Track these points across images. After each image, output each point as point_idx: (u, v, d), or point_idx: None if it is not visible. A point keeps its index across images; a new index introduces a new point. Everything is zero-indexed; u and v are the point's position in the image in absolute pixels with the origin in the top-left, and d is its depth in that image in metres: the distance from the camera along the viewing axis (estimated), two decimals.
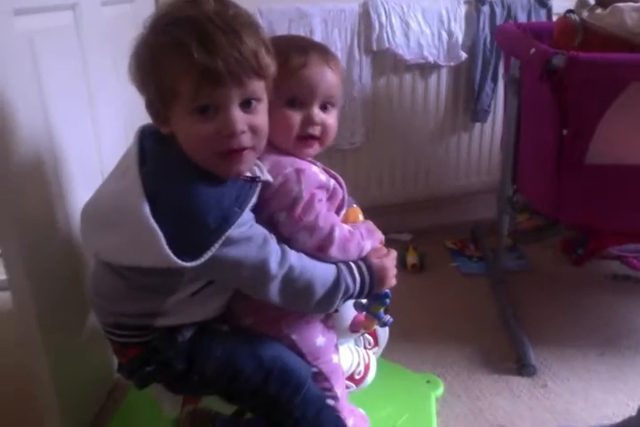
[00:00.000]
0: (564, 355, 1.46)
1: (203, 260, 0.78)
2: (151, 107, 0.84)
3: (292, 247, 0.87)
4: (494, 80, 1.91)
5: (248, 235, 0.82)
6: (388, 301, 0.96)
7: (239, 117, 0.79)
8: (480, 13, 1.83)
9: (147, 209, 0.77)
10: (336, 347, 1.01)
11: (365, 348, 1.11)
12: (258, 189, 0.84)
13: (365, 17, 1.76)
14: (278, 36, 0.99)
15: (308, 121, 0.91)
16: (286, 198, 0.87)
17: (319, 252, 0.88)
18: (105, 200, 0.87)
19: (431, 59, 1.84)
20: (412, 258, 1.84)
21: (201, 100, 0.78)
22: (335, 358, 1.00)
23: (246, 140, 0.80)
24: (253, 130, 0.81)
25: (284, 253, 0.85)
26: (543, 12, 1.88)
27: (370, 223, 0.97)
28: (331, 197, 0.92)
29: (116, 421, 1.23)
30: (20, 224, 0.98)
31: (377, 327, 1.05)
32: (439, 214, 2.07)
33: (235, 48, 0.76)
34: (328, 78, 0.91)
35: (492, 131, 2.01)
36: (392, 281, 0.94)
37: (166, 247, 0.76)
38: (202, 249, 0.78)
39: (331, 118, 0.93)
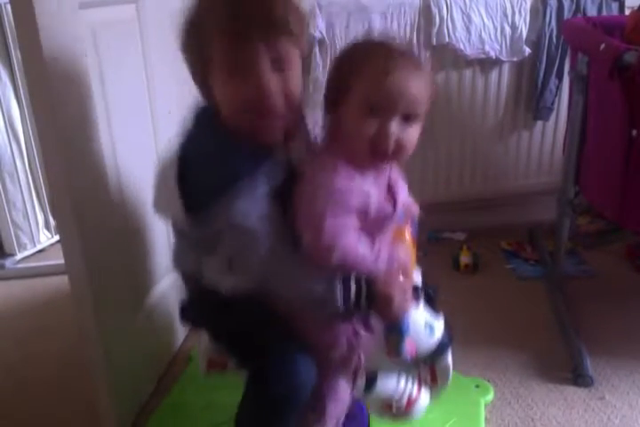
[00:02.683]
0: (624, 367, 1.39)
1: (204, 222, 0.83)
2: (195, 75, 0.87)
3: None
4: (559, 77, 1.84)
5: (245, 212, 0.82)
6: (405, 334, 0.91)
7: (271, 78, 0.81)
8: (547, 6, 1.76)
9: (173, 171, 0.84)
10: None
11: (420, 384, 1.05)
12: (278, 169, 0.85)
13: (426, 10, 1.73)
14: (366, 40, 0.92)
15: (382, 135, 0.84)
16: (303, 201, 0.85)
17: (316, 258, 0.85)
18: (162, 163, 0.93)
19: (493, 54, 1.79)
20: (465, 258, 1.81)
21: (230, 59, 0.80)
22: (343, 387, 0.97)
23: (278, 103, 0.82)
24: (285, 94, 0.83)
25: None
26: (615, 6, 1.80)
27: (406, 245, 0.94)
28: (372, 215, 0.88)
29: (165, 406, 1.26)
30: (77, 212, 1.01)
31: (438, 367, 1.01)
32: (495, 214, 2.01)
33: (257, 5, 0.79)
34: (413, 89, 0.84)
35: (554, 130, 1.93)
36: (398, 309, 0.89)
37: (179, 204, 0.83)
38: (203, 209, 0.83)
39: (410, 133, 0.86)
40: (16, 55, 1.77)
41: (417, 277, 1.01)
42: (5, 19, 1.73)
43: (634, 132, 1.26)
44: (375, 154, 0.86)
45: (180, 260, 0.99)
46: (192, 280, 0.97)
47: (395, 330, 0.91)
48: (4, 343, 1.56)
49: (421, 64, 0.87)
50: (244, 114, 0.83)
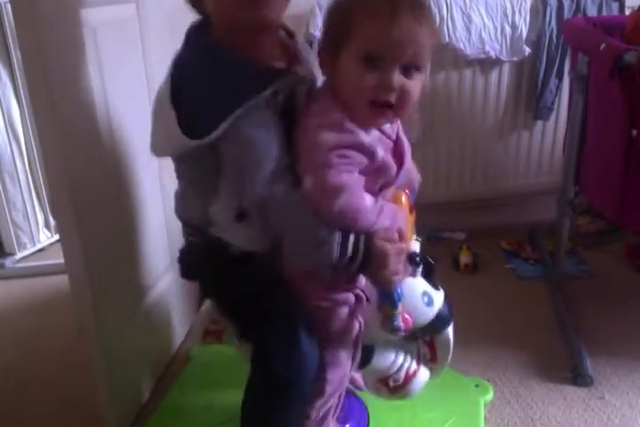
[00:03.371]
0: (624, 367, 1.39)
1: (209, 138, 0.79)
2: None
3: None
4: (559, 77, 1.84)
5: (252, 131, 0.80)
6: (398, 303, 0.86)
7: None
8: (547, 6, 1.76)
9: (167, 95, 0.82)
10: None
11: (419, 361, 1.03)
12: (288, 80, 0.82)
13: None
14: None
15: (384, 85, 0.78)
16: (307, 141, 0.81)
17: (317, 206, 0.80)
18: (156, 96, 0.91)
19: (493, 53, 1.79)
20: (465, 258, 1.80)
21: None
22: (343, 356, 0.93)
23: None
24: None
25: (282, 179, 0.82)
26: (615, 6, 1.80)
27: (402, 210, 0.90)
28: (377, 169, 0.84)
29: (164, 406, 1.26)
30: (77, 211, 1.01)
31: (438, 343, 0.99)
32: (495, 214, 2.01)
33: None
34: (417, 38, 0.78)
35: (554, 130, 1.93)
36: (393, 272, 0.84)
37: (177, 127, 0.80)
38: (209, 128, 0.79)
39: (413, 84, 0.80)
40: (16, 55, 1.77)
41: (415, 247, 0.96)
42: (5, 19, 1.73)
43: (634, 132, 1.26)
44: (377, 107, 0.80)
45: (183, 207, 0.95)
46: (195, 231, 0.93)
47: (388, 299, 0.86)
48: (3, 343, 1.55)
49: (428, 10, 0.82)
50: (239, 22, 0.80)
